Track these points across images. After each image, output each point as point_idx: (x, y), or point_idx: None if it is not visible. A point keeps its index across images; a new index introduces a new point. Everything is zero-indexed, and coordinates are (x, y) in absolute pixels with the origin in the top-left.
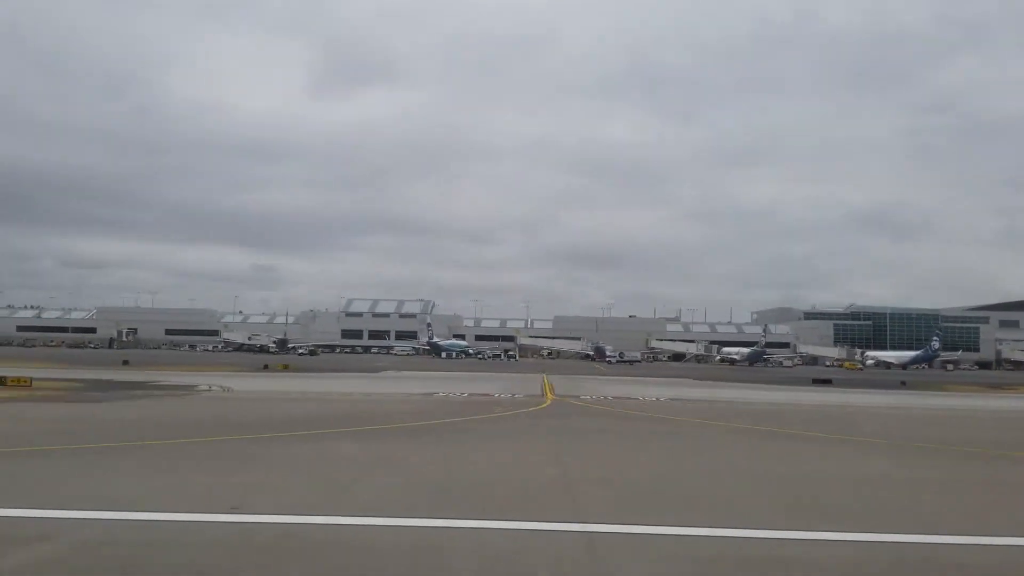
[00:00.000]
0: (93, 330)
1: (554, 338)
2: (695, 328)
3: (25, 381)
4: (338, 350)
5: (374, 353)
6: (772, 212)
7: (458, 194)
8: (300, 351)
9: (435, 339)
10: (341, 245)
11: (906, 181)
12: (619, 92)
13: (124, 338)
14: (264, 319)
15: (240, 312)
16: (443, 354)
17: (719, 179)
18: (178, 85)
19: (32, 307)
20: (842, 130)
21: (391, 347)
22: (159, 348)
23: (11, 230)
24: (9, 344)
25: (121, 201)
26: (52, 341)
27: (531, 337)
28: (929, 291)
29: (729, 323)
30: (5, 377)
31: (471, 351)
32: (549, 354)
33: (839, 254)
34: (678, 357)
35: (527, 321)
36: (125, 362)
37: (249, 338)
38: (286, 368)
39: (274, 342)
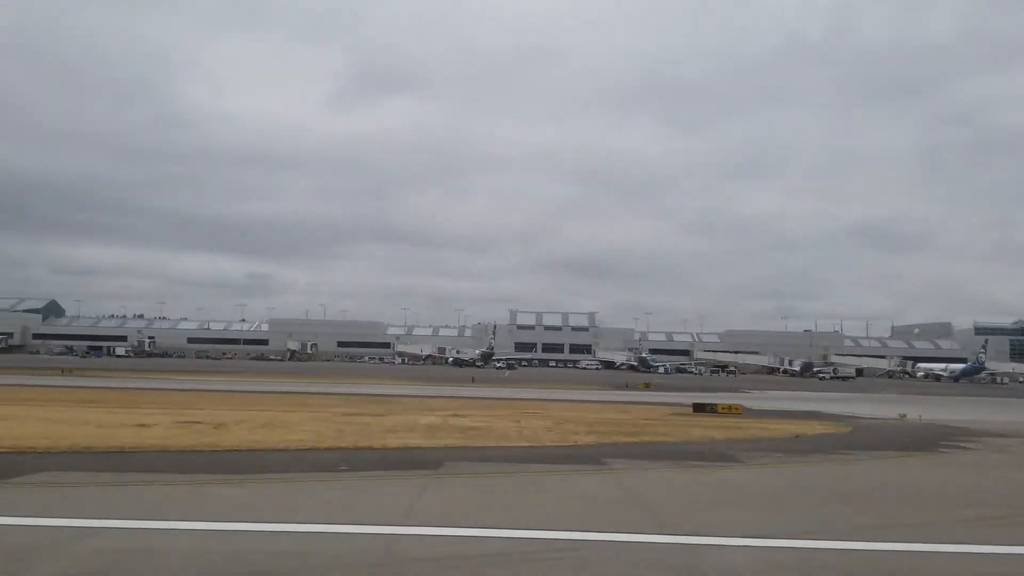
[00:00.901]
0: (265, 342)
1: (737, 352)
2: (863, 343)
3: (737, 408)
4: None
5: (553, 367)
6: (773, 224)
7: (460, 204)
8: (498, 365)
9: (643, 355)
10: (339, 254)
11: (914, 194)
12: (631, 104)
13: (308, 350)
14: (428, 331)
15: (404, 324)
16: (661, 368)
17: (721, 191)
18: (189, 93)
19: (177, 318)
20: (853, 143)
21: (575, 361)
22: (331, 360)
23: (5, 237)
24: (182, 356)
25: (121, 209)
26: (227, 353)
27: (706, 351)
28: (929, 304)
29: (892, 337)
30: (715, 404)
31: (668, 367)
32: (726, 369)
33: (839, 266)
34: (858, 372)
35: (693, 335)
36: (472, 379)
37: (457, 352)
38: (648, 387)
39: (480, 355)
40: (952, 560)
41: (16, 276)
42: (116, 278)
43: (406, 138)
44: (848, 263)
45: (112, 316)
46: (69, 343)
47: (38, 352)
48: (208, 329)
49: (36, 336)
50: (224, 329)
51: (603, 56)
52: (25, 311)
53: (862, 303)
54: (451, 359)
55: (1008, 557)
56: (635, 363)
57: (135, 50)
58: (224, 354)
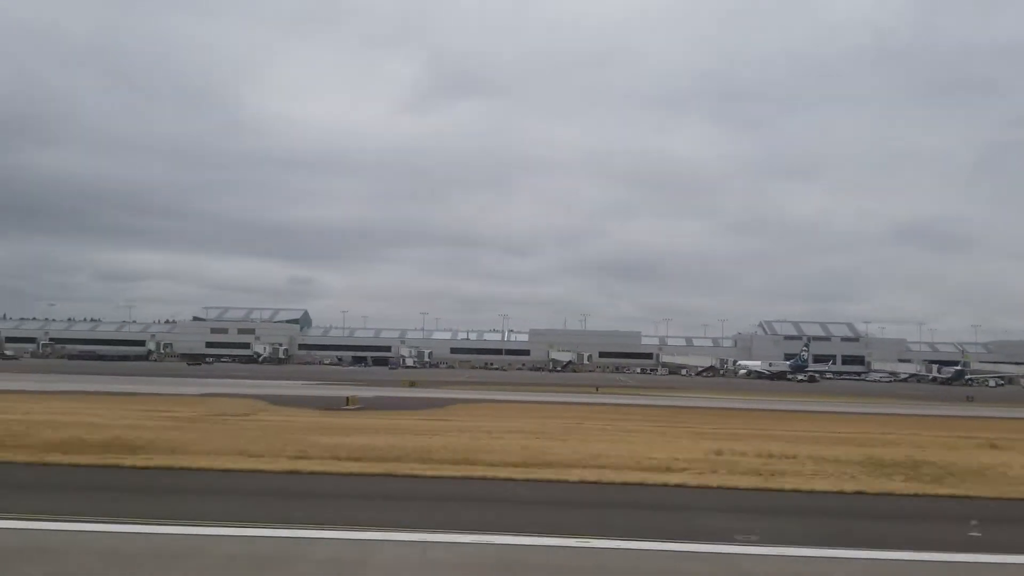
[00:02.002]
0: (526, 352)
1: (1020, 364)
2: None
3: None
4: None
5: (831, 379)
6: (823, 225)
7: (508, 207)
8: (800, 377)
9: (960, 366)
10: (384, 257)
11: (969, 195)
12: (688, 105)
13: (585, 361)
14: (681, 341)
15: (656, 335)
16: (991, 382)
17: (770, 192)
18: (255, 100)
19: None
20: (912, 143)
21: (853, 373)
22: (591, 372)
23: (52, 242)
24: (452, 367)
25: (172, 214)
26: (492, 364)
27: (981, 362)
28: (975, 306)
29: None
30: None
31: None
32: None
33: (885, 268)
34: None
35: (956, 345)
36: (969, 398)
37: (771, 364)
38: None
39: (791, 366)
40: None
41: (59, 281)
42: (157, 283)
43: (461, 142)
44: (897, 264)
45: (366, 327)
46: (339, 355)
47: (310, 363)
48: (468, 339)
49: (301, 347)
50: (478, 339)
51: (667, 57)
52: (286, 321)
53: (906, 305)
54: (746, 371)
55: None
56: (945, 376)
57: (205, 57)
58: (489, 364)
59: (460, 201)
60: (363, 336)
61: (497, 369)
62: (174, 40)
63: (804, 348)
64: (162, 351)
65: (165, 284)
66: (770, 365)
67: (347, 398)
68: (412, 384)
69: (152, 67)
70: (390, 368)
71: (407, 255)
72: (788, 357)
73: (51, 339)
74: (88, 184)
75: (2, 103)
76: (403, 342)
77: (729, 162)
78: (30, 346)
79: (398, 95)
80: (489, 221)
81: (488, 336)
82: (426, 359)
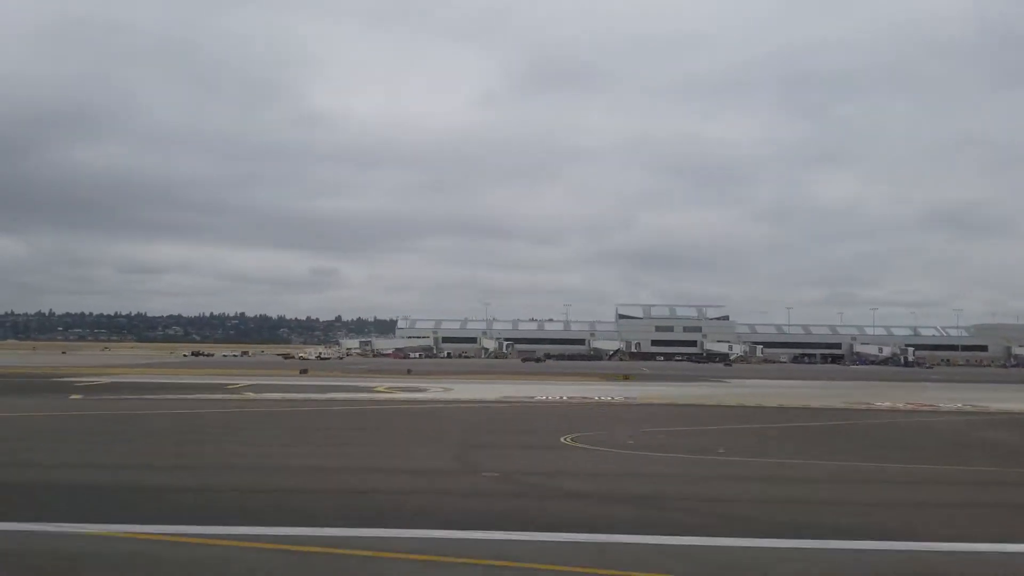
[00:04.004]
0: (982, 348)
1: None
2: None
3: None
4: None
5: None
6: (849, 212)
7: (541, 196)
8: None
9: None
10: (411, 248)
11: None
12: (747, 91)
13: None
14: None
15: None
16: None
17: (806, 177)
18: (305, 92)
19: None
20: (958, 129)
21: None
22: None
23: (77, 235)
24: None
25: (203, 207)
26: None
27: None
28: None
29: None
30: None
31: None
32: None
33: (909, 254)
34: None
35: None
36: None
37: None
38: None
39: None
40: None
41: (79, 274)
42: (172, 275)
43: (504, 131)
44: (917, 250)
45: (793, 324)
46: (793, 352)
47: (770, 361)
48: (920, 335)
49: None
50: (914, 333)
51: (731, 42)
52: (715, 319)
53: (921, 288)
54: None
55: None
56: None
57: (271, 51)
58: (943, 361)
59: (497, 191)
60: (794, 333)
61: (987, 366)
62: (240, 34)
63: None
64: (633, 350)
65: (182, 277)
66: None
67: None
68: None
69: (216, 62)
70: (928, 368)
71: (436, 245)
72: None
73: (507, 339)
74: (128, 179)
75: (61, 99)
76: (854, 339)
77: (764, 149)
78: (464, 346)
79: (462, 88)
80: (522, 210)
81: (895, 331)
82: (911, 358)
